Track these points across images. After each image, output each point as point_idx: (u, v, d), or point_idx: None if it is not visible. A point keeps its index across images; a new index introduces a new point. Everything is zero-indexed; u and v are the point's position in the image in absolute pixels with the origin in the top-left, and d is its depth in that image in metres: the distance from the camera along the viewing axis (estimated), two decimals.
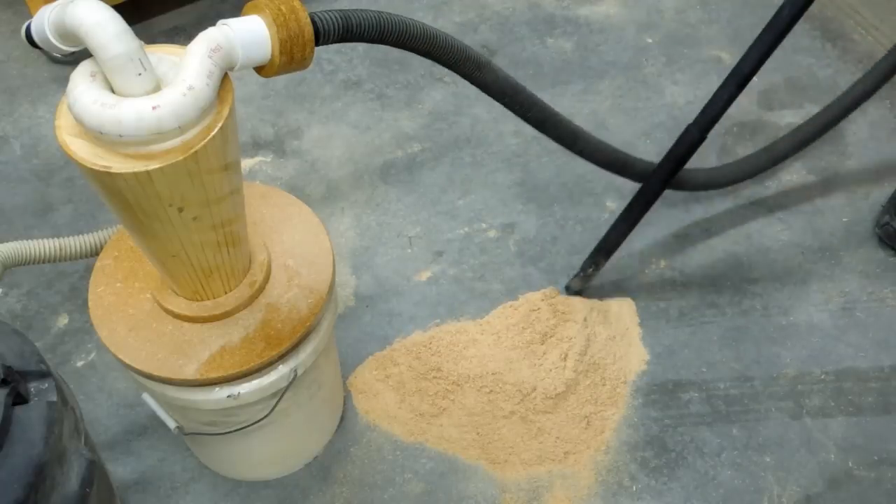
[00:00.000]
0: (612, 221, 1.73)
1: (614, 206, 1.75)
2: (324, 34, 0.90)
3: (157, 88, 0.77)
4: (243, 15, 0.85)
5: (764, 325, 1.57)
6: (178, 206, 0.83)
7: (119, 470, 1.36)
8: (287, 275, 1.09)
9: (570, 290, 1.58)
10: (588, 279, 1.55)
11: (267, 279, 1.07)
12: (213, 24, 0.82)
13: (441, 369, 1.46)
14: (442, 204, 1.76)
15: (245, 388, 1.03)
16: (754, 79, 1.57)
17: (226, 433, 1.10)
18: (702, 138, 1.28)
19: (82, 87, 0.75)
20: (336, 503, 1.33)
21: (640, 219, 1.43)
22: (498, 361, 1.48)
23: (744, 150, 1.86)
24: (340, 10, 0.92)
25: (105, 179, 0.77)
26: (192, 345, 1.01)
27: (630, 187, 1.79)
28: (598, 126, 1.91)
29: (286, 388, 1.07)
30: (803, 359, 1.52)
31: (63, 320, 1.55)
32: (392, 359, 1.49)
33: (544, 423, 1.41)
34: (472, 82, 1.18)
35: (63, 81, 1.57)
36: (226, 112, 0.80)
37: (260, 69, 0.86)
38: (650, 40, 2.13)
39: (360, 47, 2.08)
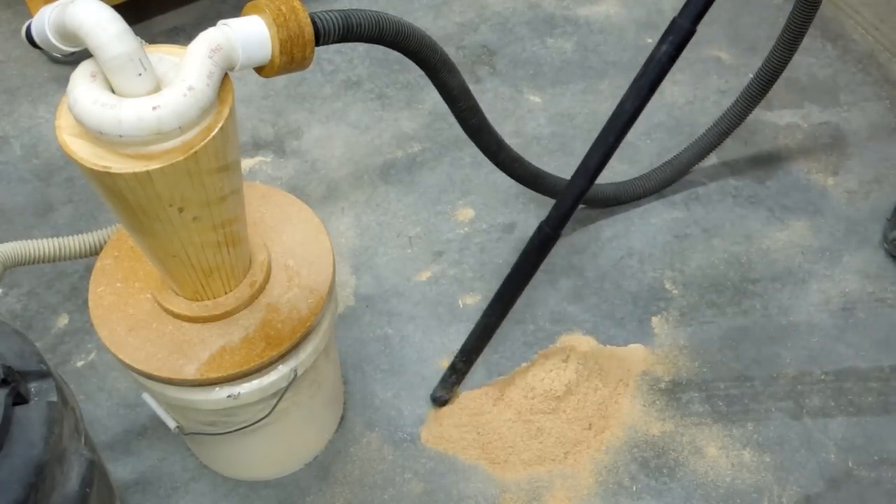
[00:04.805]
0: (610, 221, 1.74)
1: (612, 207, 1.75)
2: (324, 34, 0.90)
3: (157, 89, 0.77)
4: (243, 15, 0.85)
5: (764, 325, 1.57)
6: (179, 207, 0.83)
7: (119, 470, 1.36)
8: (287, 275, 1.09)
9: (436, 401, 1.43)
10: (452, 387, 1.43)
11: (267, 279, 1.07)
12: (213, 24, 0.82)
13: None
14: (442, 204, 1.76)
15: (245, 388, 1.04)
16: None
17: (226, 433, 1.11)
18: (556, 235, 1.22)
19: (82, 87, 0.75)
20: (336, 503, 1.33)
21: (500, 323, 1.33)
22: (499, 362, 1.48)
23: (743, 150, 1.86)
24: (341, 10, 0.92)
25: (105, 179, 0.77)
26: (192, 345, 1.01)
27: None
28: (598, 126, 1.90)
29: (286, 388, 1.07)
30: (803, 359, 1.52)
31: (63, 320, 1.55)
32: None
33: (544, 423, 1.40)
34: (446, 91, 1.19)
35: (63, 81, 1.57)
36: (226, 112, 0.80)
37: (260, 69, 0.86)
38: (650, 40, 2.12)
39: (361, 47, 2.08)
